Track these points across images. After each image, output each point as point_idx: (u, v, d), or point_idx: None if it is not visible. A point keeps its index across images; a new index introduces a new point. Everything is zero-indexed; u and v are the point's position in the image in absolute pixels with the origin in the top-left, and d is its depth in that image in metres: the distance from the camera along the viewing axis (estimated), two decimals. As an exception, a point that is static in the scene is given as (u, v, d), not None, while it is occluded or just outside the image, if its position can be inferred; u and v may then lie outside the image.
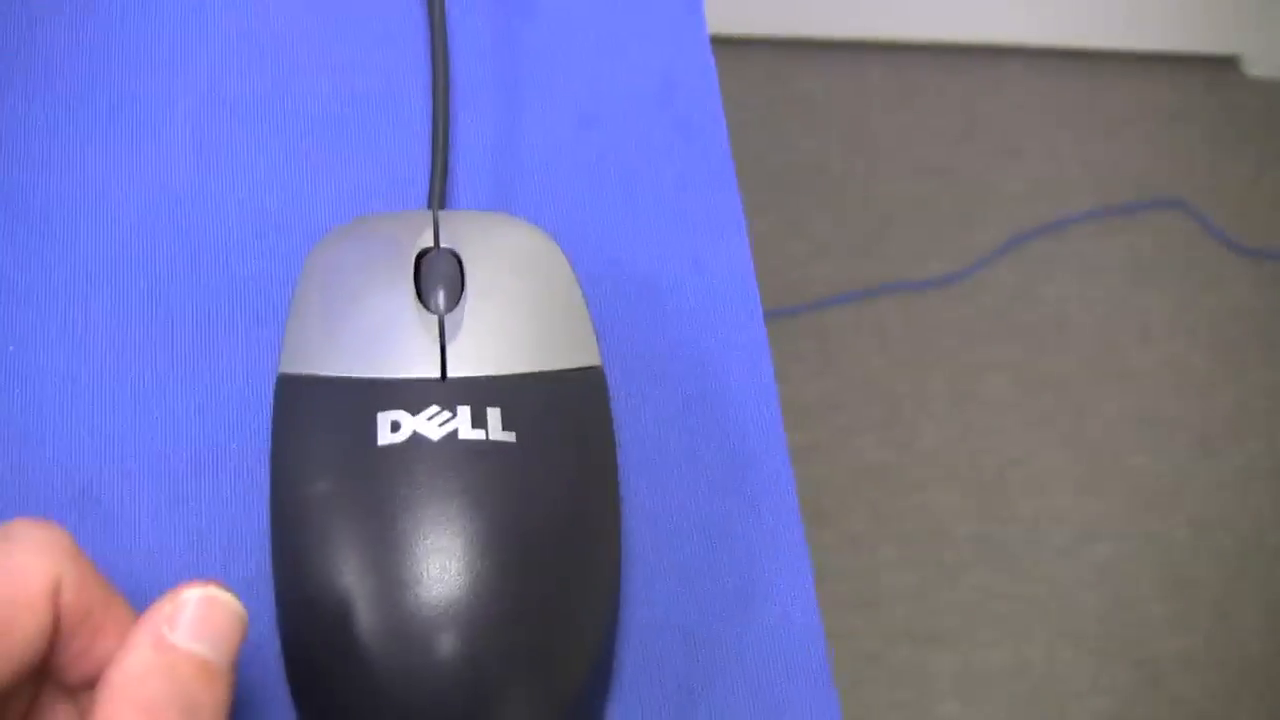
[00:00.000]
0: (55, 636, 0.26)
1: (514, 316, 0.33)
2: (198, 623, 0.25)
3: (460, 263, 0.33)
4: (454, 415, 0.30)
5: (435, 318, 0.32)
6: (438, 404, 0.30)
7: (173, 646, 0.25)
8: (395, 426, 0.30)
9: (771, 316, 1.56)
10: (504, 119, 0.41)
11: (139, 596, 0.31)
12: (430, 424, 0.30)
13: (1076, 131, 1.75)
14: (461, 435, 0.30)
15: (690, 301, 0.38)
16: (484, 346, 0.32)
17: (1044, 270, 1.64)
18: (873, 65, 1.78)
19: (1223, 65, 1.81)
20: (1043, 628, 1.41)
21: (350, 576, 0.29)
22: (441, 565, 0.28)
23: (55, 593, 0.25)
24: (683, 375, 0.37)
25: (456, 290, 0.33)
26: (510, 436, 0.30)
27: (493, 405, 0.30)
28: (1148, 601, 1.44)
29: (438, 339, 0.32)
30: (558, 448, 0.31)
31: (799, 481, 0.36)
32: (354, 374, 0.31)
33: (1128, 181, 1.71)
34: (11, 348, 0.36)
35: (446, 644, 0.28)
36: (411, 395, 0.31)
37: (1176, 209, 1.69)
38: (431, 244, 0.34)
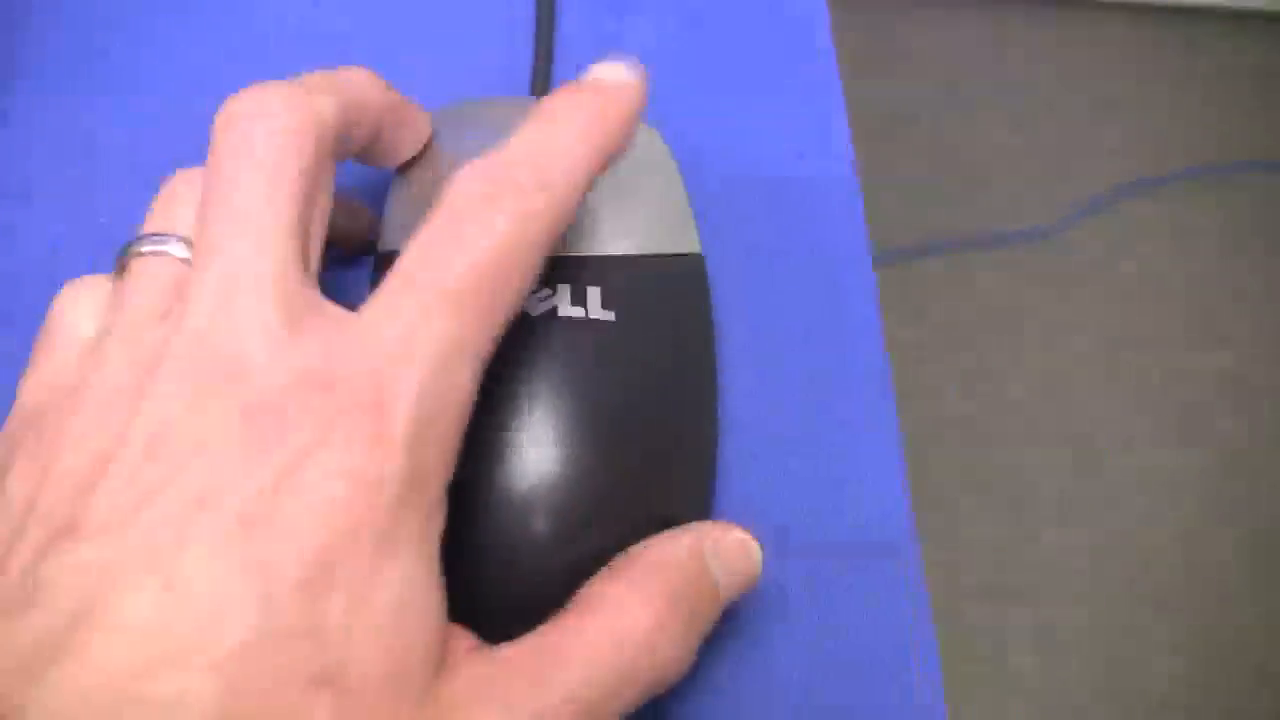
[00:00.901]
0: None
1: (615, 200, 0.32)
2: (731, 556, 0.28)
3: None
4: (553, 293, 0.30)
5: None
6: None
7: (704, 563, 0.28)
8: None
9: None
10: (610, 13, 0.40)
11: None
12: (530, 300, 0.30)
13: (1173, 90, 1.72)
14: (561, 312, 0.30)
15: (792, 200, 0.38)
16: (584, 228, 0.31)
17: (1137, 228, 1.61)
18: (969, 18, 1.76)
19: (1329, 24, 1.78)
20: (1123, 587, 1.40)
21: None
22: (536, 440, 0.28)
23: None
24: (782, 271, 0.36)
25: None
26: (610, 315, 0.30)
27: (592, 284, 0.30)
28: (1230, 566, 1.42)
29: None
30: (657, 328, 0.30)
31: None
32: None
33: (1224, 141, 1.69)
34: (103, 219, 0.36)
35: (538, 521, 0.28)
36: None
37: (1274, 171, 1.66)
38: None
